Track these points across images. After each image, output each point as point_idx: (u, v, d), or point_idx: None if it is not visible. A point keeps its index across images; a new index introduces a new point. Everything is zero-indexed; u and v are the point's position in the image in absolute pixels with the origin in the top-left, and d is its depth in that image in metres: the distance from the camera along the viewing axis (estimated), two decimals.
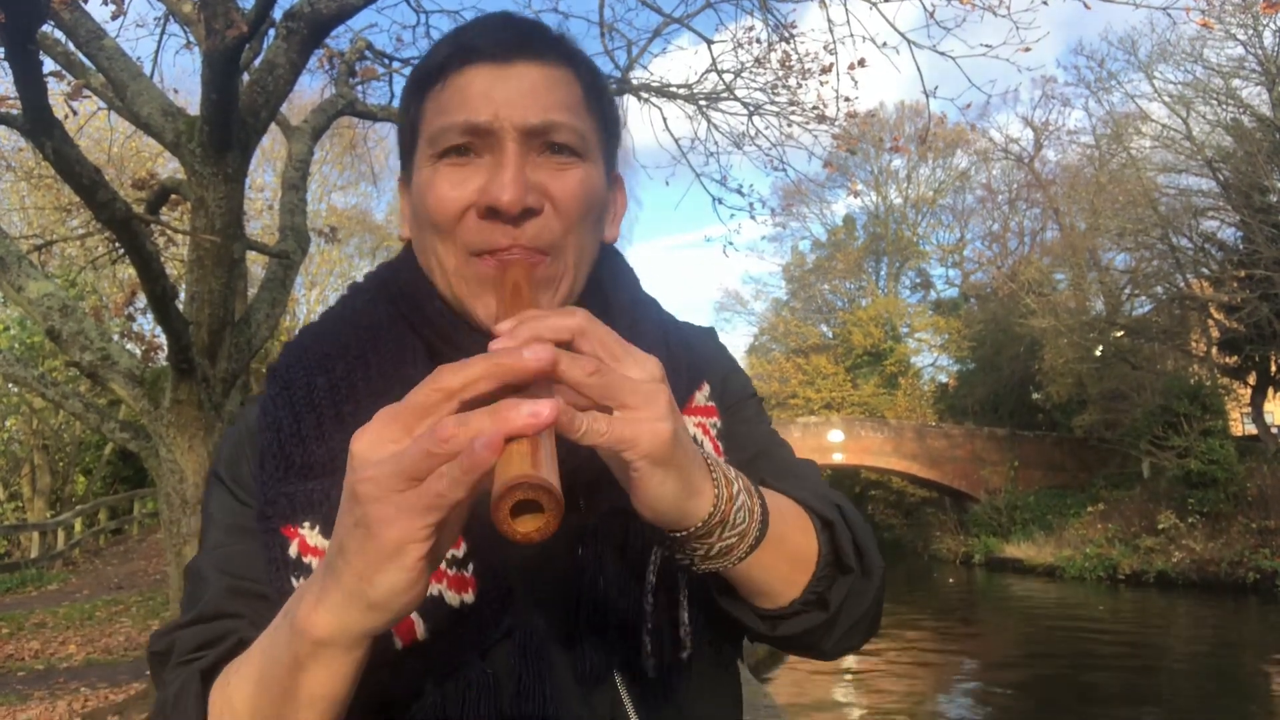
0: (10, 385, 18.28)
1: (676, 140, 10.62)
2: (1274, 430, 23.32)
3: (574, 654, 0.75)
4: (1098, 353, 26.14)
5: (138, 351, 8.21)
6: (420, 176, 0.79)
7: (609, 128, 0.84)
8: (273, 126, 6.35)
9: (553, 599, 0.75)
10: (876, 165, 38.29)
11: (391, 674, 0.63)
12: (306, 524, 0.72)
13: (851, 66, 9.10)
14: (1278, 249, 20.43)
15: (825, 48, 8.87)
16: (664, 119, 16.86)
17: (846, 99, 10.46)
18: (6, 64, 4.09)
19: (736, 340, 44.46)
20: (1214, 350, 24.69)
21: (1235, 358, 23.50)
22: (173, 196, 7.68)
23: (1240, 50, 22.12)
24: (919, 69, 13.88)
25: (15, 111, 4.47)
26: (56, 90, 6.26)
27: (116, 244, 6.69)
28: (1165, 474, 21.73)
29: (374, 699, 0.63)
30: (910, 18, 48.33)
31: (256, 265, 14.41)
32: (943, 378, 38.43)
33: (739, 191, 10.47)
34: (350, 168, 27.08)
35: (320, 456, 0.75)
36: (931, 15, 7.96)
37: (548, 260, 0.76)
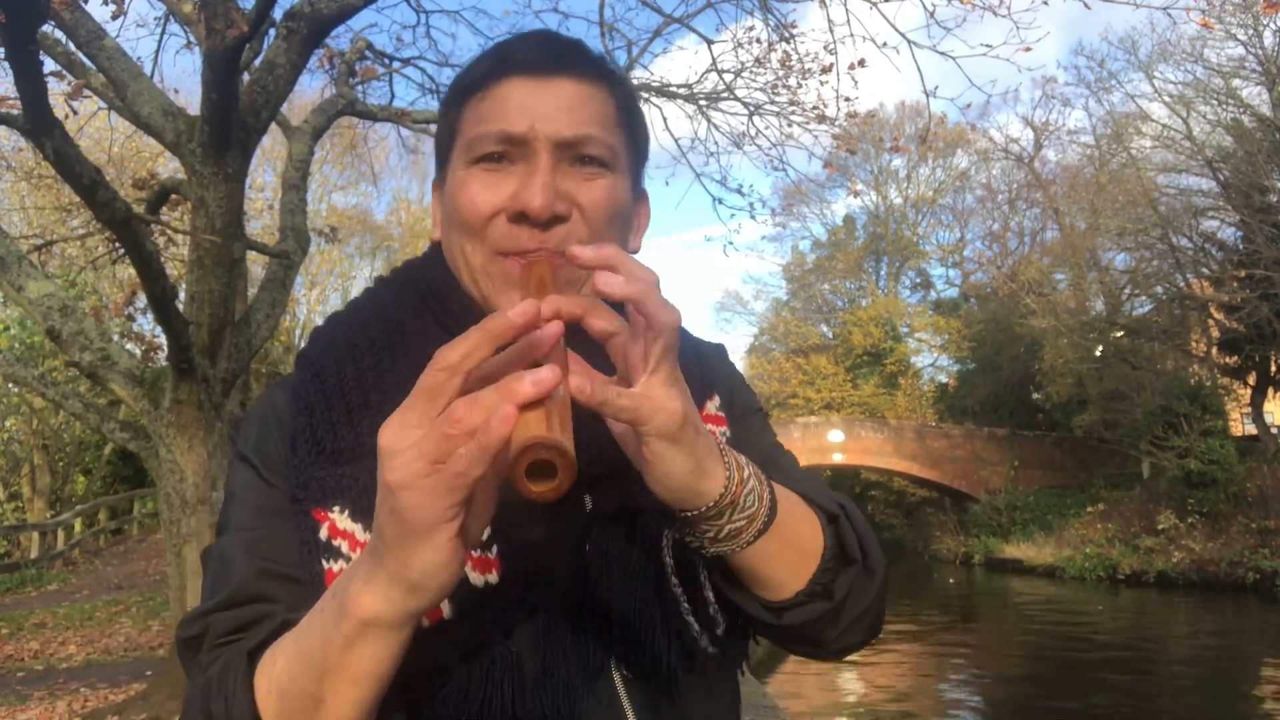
0: (10, 385, 18.28)
1: (677, 140, 10.67)
2: (1274, 430, 23.27)
3: (578, 643, 0.76)
4: (1098, 353, 26.12)
5: (138, 351, 8.21)
6: (454, 179, 0.82)
7: (638, 144, 0.87)
8: (273, 126, 6.35)
9: (564, 588, 0.77)
10: (876, 165, 38.25)
11: (418, 652, 0.65)
12: (336, 508, 0.75)
13: (851, 66, 9.13)
14: (1278, 249, 20.41)
15: (825, 48, 8.90)
16: (664, 119, 16.90)
17: (847, 99, 10.49)
18: (7, 64, 4.09)
19: (737, 340, 44.52)
20: (1214, 350, 24.65)
21: (1235, 358, 23.46)
22: (173, 196, 7.70)
23: (1240, 50, 22.11)
24: (919, 69, 13.91)
25: (15, 111, 4.48)
26: (57, 90, 6.26)
27: (116, 244, 6.69)
28: (1165, 474, 21.70)
29: (400, 677, 0.65)
30: (911, 18, 48.34)
31: (256, 265, 14.41)
32: (943, 378, 38.40)
33: (739, 191, 10.51)
34: (350, 168, 27.08)
35: (349, 442, 0.77)
36: (932, 15, 7.98)
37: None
